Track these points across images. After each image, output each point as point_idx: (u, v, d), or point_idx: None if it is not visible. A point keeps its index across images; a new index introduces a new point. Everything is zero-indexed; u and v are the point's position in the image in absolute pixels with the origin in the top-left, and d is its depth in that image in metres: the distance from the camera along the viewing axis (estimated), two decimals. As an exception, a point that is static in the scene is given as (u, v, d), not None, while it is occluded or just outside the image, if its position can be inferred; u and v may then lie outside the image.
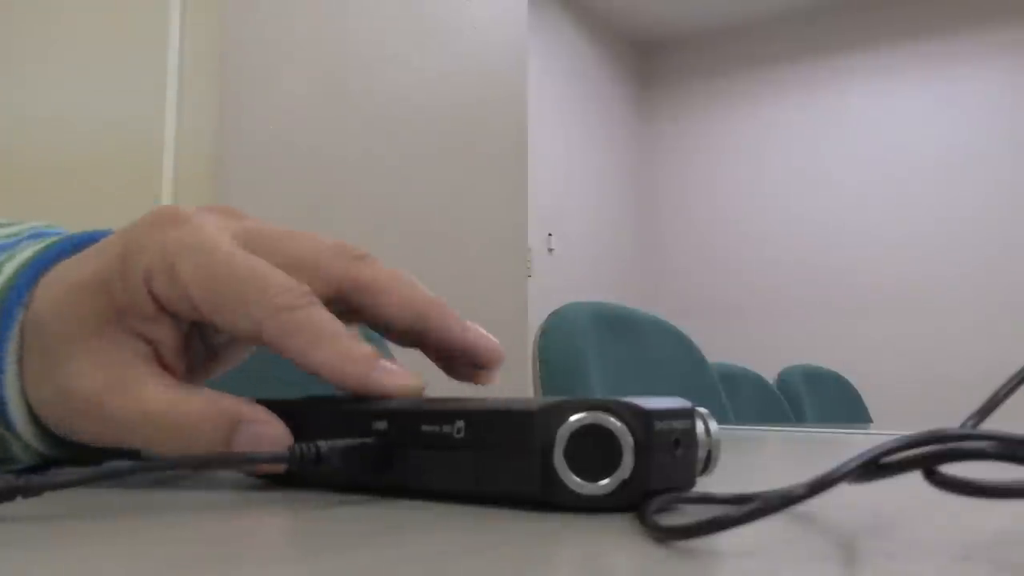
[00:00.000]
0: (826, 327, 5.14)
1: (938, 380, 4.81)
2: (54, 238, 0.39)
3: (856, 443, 0.77)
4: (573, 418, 0.29)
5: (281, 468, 0.35)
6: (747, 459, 0.56)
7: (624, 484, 0.29)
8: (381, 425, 0.34)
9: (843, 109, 5.26)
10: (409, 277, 0.40)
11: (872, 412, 4.80)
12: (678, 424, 0.30)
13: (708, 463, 0.33)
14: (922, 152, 5.02)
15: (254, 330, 0.35)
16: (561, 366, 1.20)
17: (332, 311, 0.36)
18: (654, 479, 0.29)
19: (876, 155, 5.15)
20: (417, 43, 2.36)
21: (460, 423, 0.32)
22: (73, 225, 0.43)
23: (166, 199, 1.77)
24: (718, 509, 0.30)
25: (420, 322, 0.39)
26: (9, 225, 0.44)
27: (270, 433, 0.34)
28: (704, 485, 0.38)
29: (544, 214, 4.76)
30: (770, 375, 2.53)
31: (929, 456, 0.23)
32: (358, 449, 0.34)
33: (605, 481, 0.29)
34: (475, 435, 0.31)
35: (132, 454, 0.38)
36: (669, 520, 0.28)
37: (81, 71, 1.84)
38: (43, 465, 0.38)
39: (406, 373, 0.35)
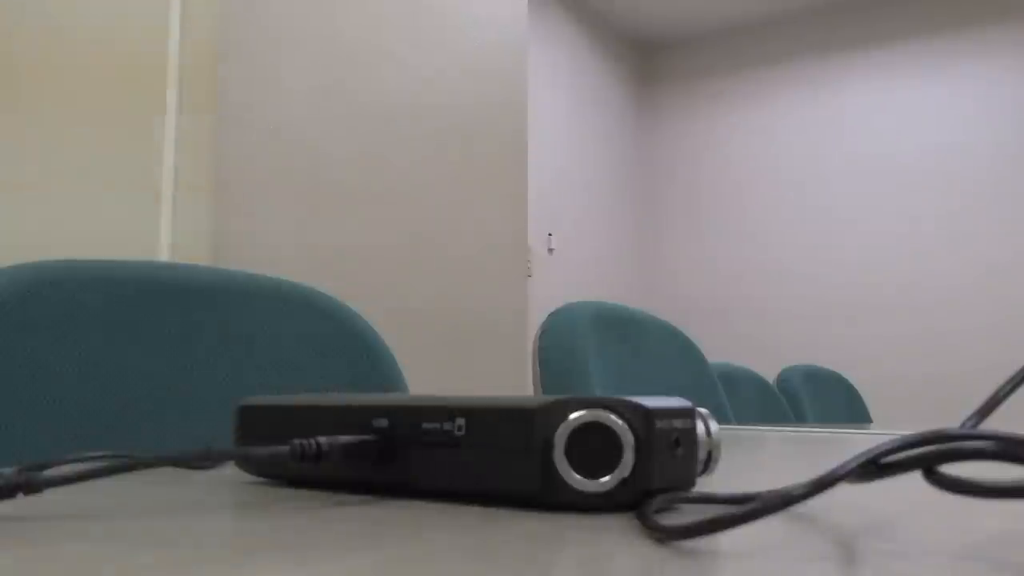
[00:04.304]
0: (826, 327, 5.14)
1: (938, 380, 4.81)
2: None
3: (856, 443, 0.77)
4: (573, 416, 0.29)
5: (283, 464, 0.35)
6: (747, 459, 0.56)
7: (624, 482, 0.29)
8: (382, 422, 0.34)
9: (843, 109, 5.26)
10: None
11: (872, 412, 4.80)
12: (678, 423, 0.30)
13: (708, 463, 0.33)
14: (922, 151, 5.02)
15: None
16: (561, 366, 1.20)
17: None
18: (654, 478, 0.29)
19: (876, 154, 5.15)
20: (417, 43, 2.36)
21: (461, 420, 0.32)
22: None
23: (166, 200, 1.77)
24: (718, 509, 0.30)
25: None
26: None
27: None
28: (704, 485, 0.38)
29: (544, 214, 4.76)
30: (770, 375, 2.53)
31: (929, 456, 0.23)
32: (359, 446, 0.34)
33: (606, 479, 0.29)
34: (476, 432, 0.31)
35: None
36: (669, 520, 0.28)
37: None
38: (44, 462, 0.38)
39: None
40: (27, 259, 1.74)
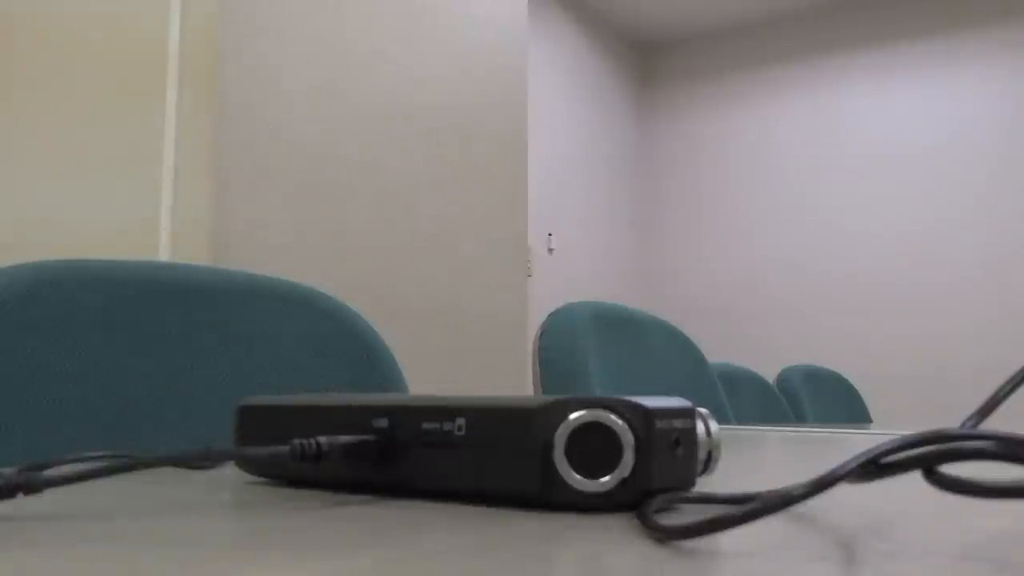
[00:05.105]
0: (826, 327, 5.14)
1: (938, 380, 4.81)
2: None
3: (856, 443, 0.77)
4: (573, 416, 0.29)
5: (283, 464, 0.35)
6: (747, 459, 0.56)
7: (624, 482, 0.29)
8: (382, 422, 0.34)
9: (843, 109, 5.26)
10: None
11: (872, 412, 4.79)
12: (678, 423, 0.30)
13: (708, 463, 0.33)
14: (922, 152, 5.03)
15: None
16: (561, 366, 1.20)
17: None
18: (654, 478, 0.29)
19: (876, 154, 5.15)
20: (417, 43, 2.36)
21: (461, 421, 0.32)
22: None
23: (166, 200, 1.77)
24: (718, 509, 0.30)
25: None
26: None
27: None
28: (704, 485, 0.38)
29: (544, 214, 4.76)
30: (770, 375, 2.53)
31: (929, 456, 0.23)
32: (359, 446, 0.34)
33: (605, 479, 0.29)
34: (476, 432, 0.31)
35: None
36: (669, 520, 0.28)
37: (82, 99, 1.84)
38: (44, 462, 0.38)
39: None
40: (26, 259, 1.74)
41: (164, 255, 1.73)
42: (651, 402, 0.30)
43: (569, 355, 1.20)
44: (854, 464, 0.24)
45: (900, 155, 5.10)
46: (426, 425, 0.33)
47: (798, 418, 2.20)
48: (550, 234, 4.81)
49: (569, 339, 1.21)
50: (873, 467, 0.24)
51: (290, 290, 0.91)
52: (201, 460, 0.33)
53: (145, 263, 0.82)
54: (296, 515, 0.29)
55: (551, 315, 1.25)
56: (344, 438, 0.34)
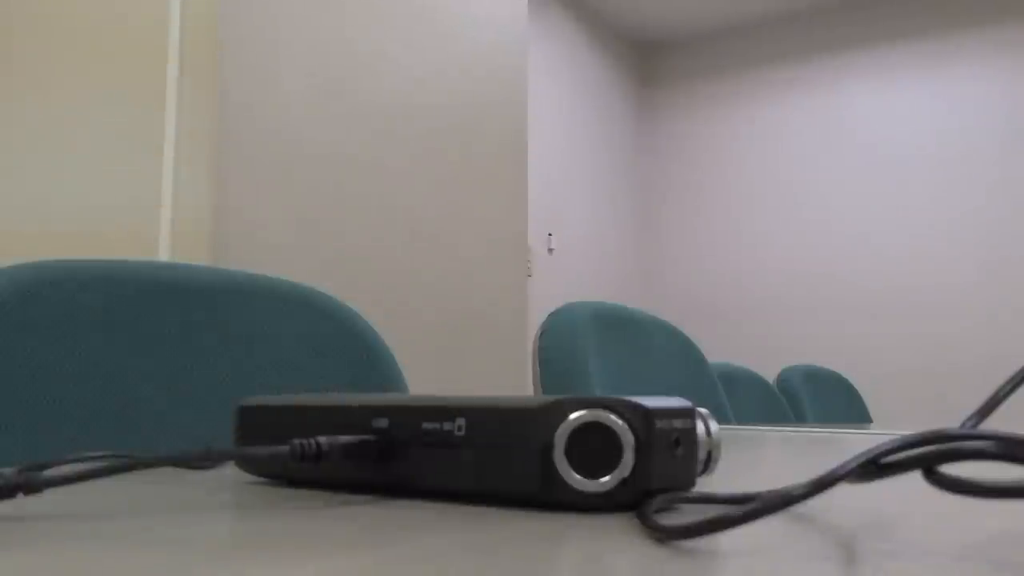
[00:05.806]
0: (826, 327, 5.14)
1: (938, 380, 4.81)
2: None
3: (856, 443, 0.77)
4: (573, 416, 0.29)
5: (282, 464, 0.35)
6: (747, 459, 0.56)
7: (624, 482, 0.29)
8: (382, 423, 0.34)
9: (843, 109, 5.26)
10: None
11: (872, 412, 4.79)
12: (678, 423, 0.30)
13: (708, 463, 0.33)
14: (921, 152, 5.02)
15: None
16: (561, 366, 1.20)
17: None
18: (654, 478, 0.29)
19: (875, 155, 5.15)
20: (417, 43, 2.36)
21: (461, 421, 0.32)
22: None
23: (166, 200, 1.77)
24: (718, 509, 0.30)
25: None
26: None
27: None
28: (704, 485, 0.38)
29: (544, 214, 4.76)
30: (770, 375, 2.53)
31: (929, 456, 0.23)
32: (359, 446, 0.34)
33: (606, 479, 0.29)
34: (476, 432, 0.31)
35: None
36: (669, 520, 0.28)
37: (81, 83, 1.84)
38: (44, 462, 0.38)
39: None
40: (26, 259, 1.74)
41: (164, 255, 1.73)
42: (651, 402, 0.30)
43: (569, 355, 1.20)
44: (854, 464, 0.24)
45: (899, 155, 5.10)
46: (426, 425, 0.33)
47: (798, 418, 2.19)
48: (550, 234, 4.81)
49: (569, 339, 1.21)
50: (873, 467, 0.24)
51: (290, 290, 0.91)
52: (201, 460, 0.33)
53: (145, 263, 0.82)
54: (296, 515, 0.29)
55: (551, 315, 1.25)
56: (344, 438, 0.34)
